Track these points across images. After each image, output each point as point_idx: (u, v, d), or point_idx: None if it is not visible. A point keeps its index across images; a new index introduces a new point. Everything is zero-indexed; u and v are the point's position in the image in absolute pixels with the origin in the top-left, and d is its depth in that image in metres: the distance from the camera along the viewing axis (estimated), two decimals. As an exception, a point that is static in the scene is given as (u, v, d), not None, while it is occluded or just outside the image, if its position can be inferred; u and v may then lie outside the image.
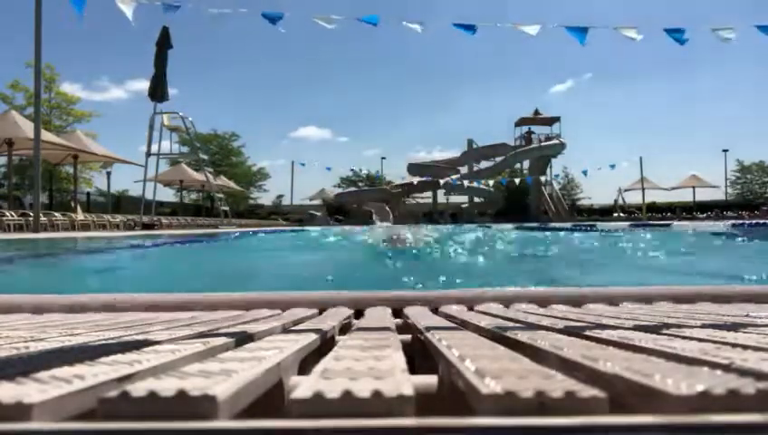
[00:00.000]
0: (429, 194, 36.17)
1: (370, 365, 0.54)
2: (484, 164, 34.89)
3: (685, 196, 38.89)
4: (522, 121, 35.73)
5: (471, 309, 1.46)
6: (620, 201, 36.25)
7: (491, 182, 32.46)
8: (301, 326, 1.12)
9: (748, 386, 0.39)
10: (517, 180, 32.28)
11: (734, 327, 0.88)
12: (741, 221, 22.32)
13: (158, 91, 18.36)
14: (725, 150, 39.00)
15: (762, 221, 20.34)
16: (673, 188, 39.04)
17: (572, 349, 0.61)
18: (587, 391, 0.39)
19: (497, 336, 0.84)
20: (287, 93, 77.27)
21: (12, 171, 18.79)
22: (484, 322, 1.03)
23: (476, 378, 0.45)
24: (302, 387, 0.43)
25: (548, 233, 13.84)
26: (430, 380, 0.65)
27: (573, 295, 1.60)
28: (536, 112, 35.54)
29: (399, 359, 0.59)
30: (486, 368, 0.50)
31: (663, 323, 0.94)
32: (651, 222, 24.21)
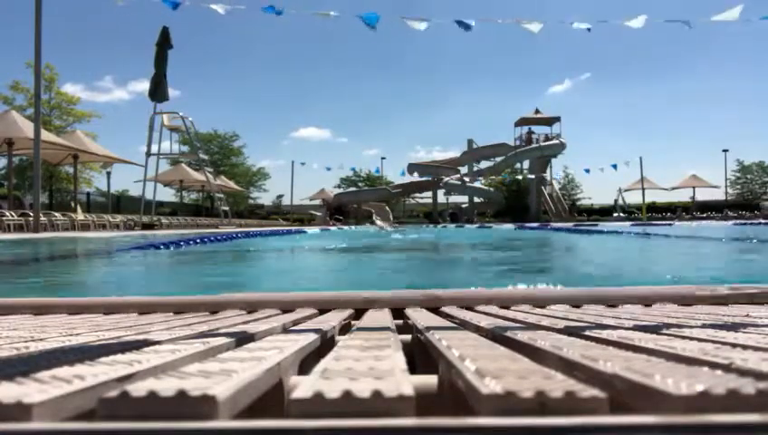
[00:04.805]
0: (429, 194, 36.18)
1: (370, 365, 0.54)
2: (484, 164, 34.90)
3: (684, 196, 38.89)
4: (522, 121, 35.72)
5: (471, 309, 1.45)
6: (620, 201, 36.24)
7: (493, 178, 32.44)
8: (301, 326, 1.12)
9: (748, 386, 0.39)
10: (519, 177, 32.31)
11: (734, 327, 0.88)
12: (742, 221, 22.34)
13: (158, 92, 18.37)
14: (725, 150, 39.00)
15: (764, 221, 20.36)
16: (673, 188, 39.04)
17: (572, 349, 0.61)
18: (587, 391, 0.39)
19: (497, 336, 0.84)
20: (287, 94, 77.36)
21: (12, 171, 18.79)
22: (484, 322, 1.03)
23: (476, 378, 0.45)
24: (302, 387, 0.43)
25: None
26: (430, 380, 0.65)
27: (573, 296, 1.60)
28: (536, 112, 35.53)
29: (399, 359, 0.59)
30: (486, 368, 0.50)
31: (663, 324, 0.94)
32: (653, 222, 24.21)
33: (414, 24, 7.22)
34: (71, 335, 0.90)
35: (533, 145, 33.66)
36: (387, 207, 32.33)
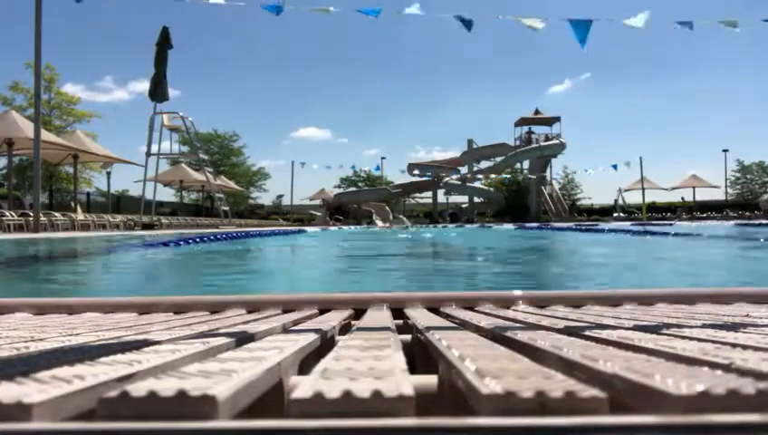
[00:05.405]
0: (429, 194, 36.18)
1: (370, 365, 0.54)
2: (484, 164, 34.91)
3: (684, 196, 38.85)
4: (522, 121, 35.71)
5: (471, 309, 1.45)
6: (620, 201, 36.24)
7: (493, 176, 32.42)
8: (301, 326, 1.12)
9: (748, 386, 0.39)
10: (519, 177, 32.31)
11: (734, 327, 0.88)
12: (744, 222, 22.33)
13: (158, 92, 18.37)
14: (725, 150, 39.01)
15: (765, 221, 20.35)
16: (673, 188, 39.05)
17: (572, 349, 0.61)
18: (587, 391, 0.39)
19: (497, 336, 0.84)
20: (287, 94, 77.36)
21: (12, 171, 18.78)
22: (485, 322, 1.03)
23: (476, 378, 0.45)
24: (302, 387, 0.43)
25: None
26: (430, 380, 0.65)
27: (574, 297, 1.60)
28: (536, 112, 35.52)
29: (399, 359, 0.59)
30: (486, 368, 0.50)
31: (663, 324, 0.94)
32: (653, 222, 24.21)
33: (412, 10, 7.23)
34: (71, 335, 0.90)
35: (533, 145, 33.66)
36: (387, 207, 32.34)
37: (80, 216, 17.89)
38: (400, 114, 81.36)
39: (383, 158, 42.36)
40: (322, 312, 1.46)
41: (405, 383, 0.44)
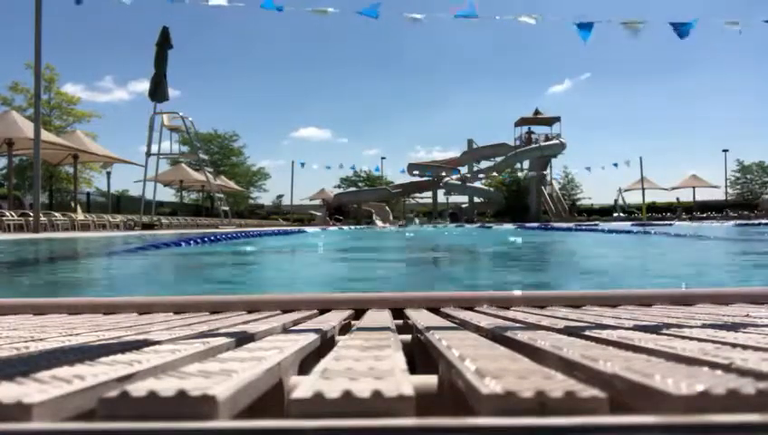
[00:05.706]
0: (429, 194, 36.20)
1: (370, 365, 0.54)
2: (484, 164, 34.92)
3: (684, 196, 38.87)
4: (522, 121, 35.70)
5: (471, 309, 1.45)
6: (620, 201, 36.25)
7: (495, 174, 32.41)
8: (301, 326, 1.12)
9: (748, 386, 0.39)
10: (520, 175, 32.31)
11: (734, 327, 0.88)
12: (744, 222, 22.33)
13: (158, 92, 18.38)
14: (725, 150, 39.02)
15: (765, 221, 20.35)
16: (673, 188, 39.06)
17: (572, 349, 0.61)
18: (587, 391, 0.39)
19: (497, 336, 0.84)
20: (287, 94, 77.39)
21: (12, 171, 18.79)
22: (484, 322, 1.03)
23: (476, 378, 0.45)
24: (302, 387, 0.43)
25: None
26: (430, 380, 0.65)
27: (573, 297, 1.60)
28: (536, 112, 35.50)
29: (399, 359, 0.59)
30: (486, 368, 0.50)
31: (663, 324, 0.94)
32: (653, 222, 24.22)
33: (413, 15, 7.25)
34: (71, 335, 0.90)
35: (533, 145, 33.65)
36: (387, 207, 32.37)
37: (80, 216, 17.89)
38: (400, 114, 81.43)
39: (383, 158, 42.37)
40: (322, 312, 1.46)
41: (405, 383, 0.44)
